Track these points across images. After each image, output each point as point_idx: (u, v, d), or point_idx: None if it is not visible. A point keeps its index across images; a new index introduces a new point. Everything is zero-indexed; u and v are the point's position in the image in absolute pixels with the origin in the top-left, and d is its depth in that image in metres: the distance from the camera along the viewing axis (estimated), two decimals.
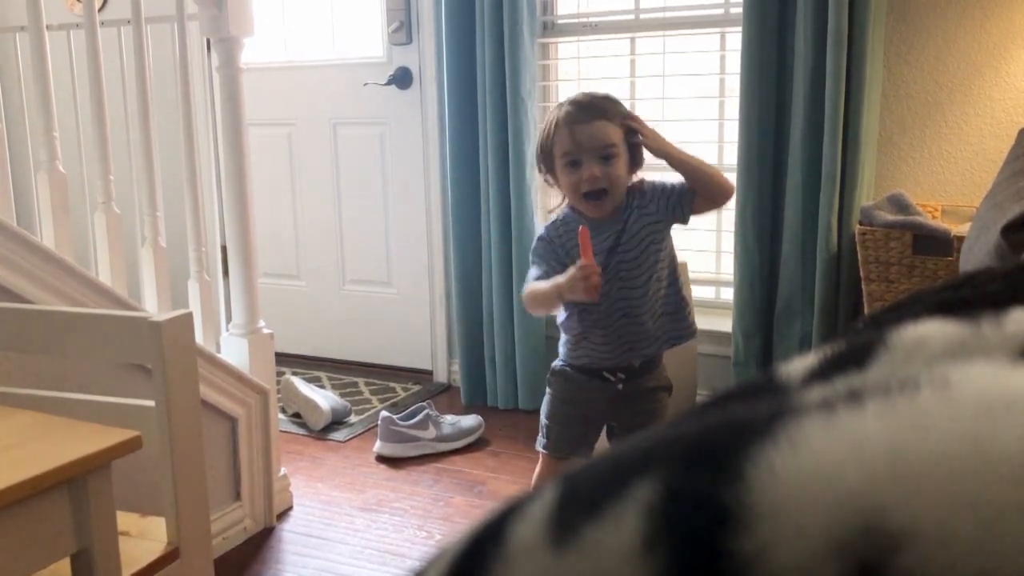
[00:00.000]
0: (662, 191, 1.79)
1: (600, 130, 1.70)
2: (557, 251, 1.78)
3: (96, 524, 1.10)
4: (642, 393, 1.83)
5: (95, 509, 1.10)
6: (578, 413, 1.87)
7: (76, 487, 1.08)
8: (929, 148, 2.46)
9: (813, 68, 2.37)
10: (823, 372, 0.30)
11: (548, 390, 1.89)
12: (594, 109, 1.71)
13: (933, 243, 2.01)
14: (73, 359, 1.71)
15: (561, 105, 1.76)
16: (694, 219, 1.81)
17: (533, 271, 1.80)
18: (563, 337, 1.86)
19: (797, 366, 0.32)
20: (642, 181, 1.81)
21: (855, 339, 0.32)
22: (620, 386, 1.81)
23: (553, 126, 1.73)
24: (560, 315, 1.84)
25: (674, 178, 1.81)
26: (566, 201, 1.82)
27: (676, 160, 1.74)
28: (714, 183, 1.75)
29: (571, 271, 1.64)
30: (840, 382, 0.26)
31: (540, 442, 1.91)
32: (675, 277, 1.82)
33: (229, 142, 2.17)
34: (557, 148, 1.72)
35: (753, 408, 0.25)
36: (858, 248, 2.13)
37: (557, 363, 1.88)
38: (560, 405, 1.87)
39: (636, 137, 1.75)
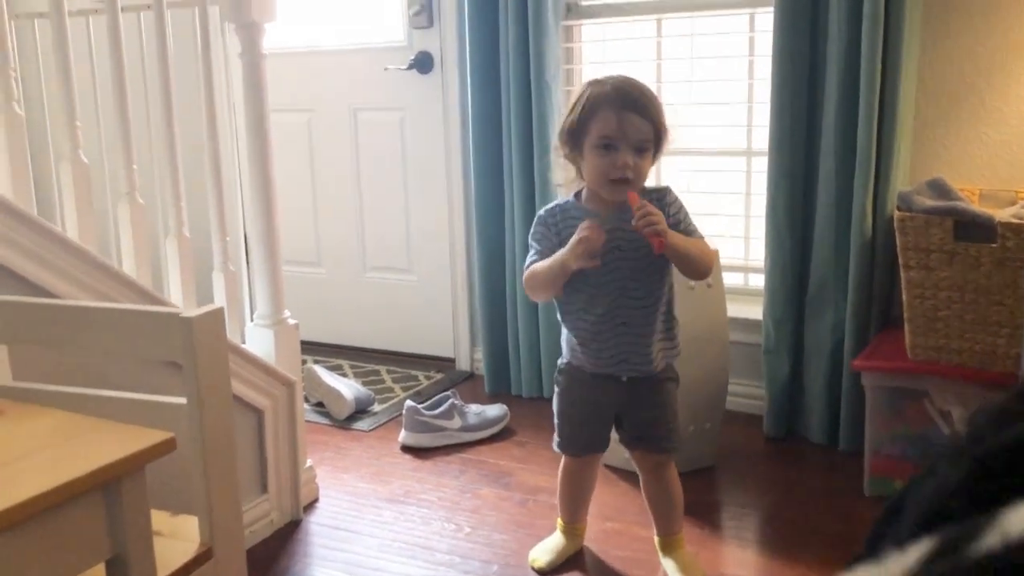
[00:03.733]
0: (674, 217, 1.75)
1: (645, 123, 1.69)
2: (552, 238, 1.79)
3: (131, 528, 1.07)
4: (648, 387, 1.83)
5: (129, 513, 1.07)
6: (586, 411, 1.88)
7: (110, 491, 1.05)
8: (967, 131, 2.40)
9: (847, 49, 2.31)
10: None
11: (556, 388, 1.89)
12: (644, 104, 1.69)
13: (976, 229, 1.95)
14: (101, 356, 1.68)
15: (598, 83, 1.73)
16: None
17: (531, 254, 1.81)
18: (564, 333, 1.85)
19: None
20: (668, 190, 1.78)
21: None
22: (624, 379, 1.81)
23: (593, 105, 1.69)
24: (561, 310, 1.84)
25: (686, 205, 1.82)
26: (576, 188, 1.81)
27: (673, 250, 1.69)
28: (690, 275, 1.81)
29: (574, 237, 1.67)
30: None
31: (555, 440, 1.94)
32: (672, 296, 1.82)
33: (252, 130, 2.13)
34: (596, 129, 1.68)
35: None
36: (897, 235, 2.07)
37: (562, 360, 1.87)
38: (567, 406, 1.89)
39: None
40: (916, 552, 0.29)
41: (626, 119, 1.66)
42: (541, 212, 1.85)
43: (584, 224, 1.69)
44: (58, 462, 1.04)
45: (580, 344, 1.82)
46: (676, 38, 2.78)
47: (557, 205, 1.83)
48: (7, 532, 0.93)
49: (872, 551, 0.31)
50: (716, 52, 2.76)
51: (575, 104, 1.73)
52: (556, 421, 1.91)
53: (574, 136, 1.73)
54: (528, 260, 1.82)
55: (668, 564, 1.92)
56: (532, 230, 1.84)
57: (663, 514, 1.93)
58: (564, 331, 1.86)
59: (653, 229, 1.63)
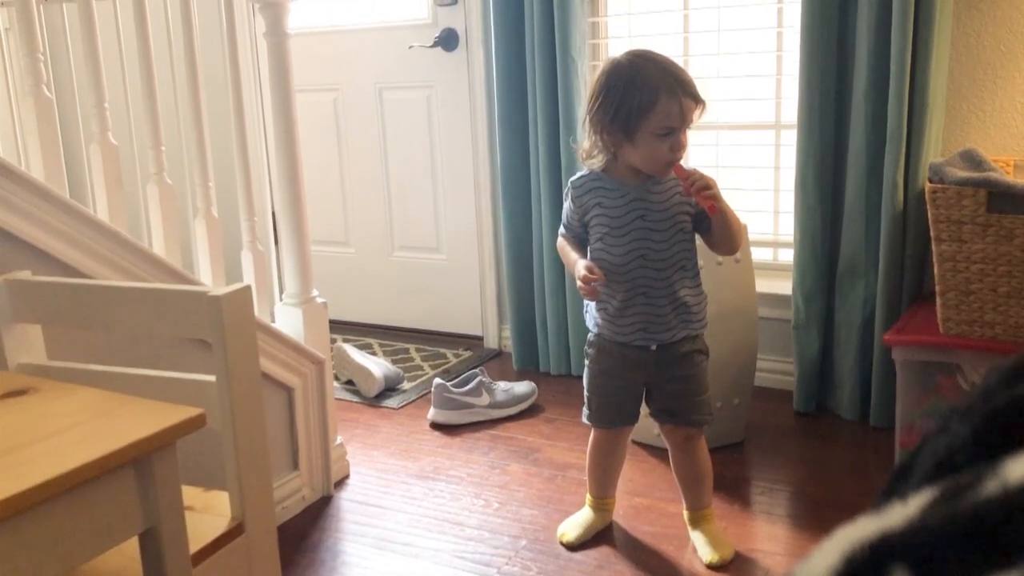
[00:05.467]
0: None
1: (696, 105, 1.72)
2: (576, 212, 1.83)
3: (163, 502, 1.09)
4: (678, 357, 1.83)
5: (161, 487, 1.08)
6: (615, 383, 1.89)
7: (142, 466, 1.06)
8: (1002, 100, 2.35)
9: (878, 17, 2.26)
10: None
11: (586, 361, 1.91)
12: (696, 88, 1.72)
13: (1010, 201, 1.92)
14: (132, 334, 1.71)
15: (639, 68, 1.69)
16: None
17: (561, 225, 1.88)
18: (586, 304, 1.88)
19: None
20: (695, 170, 1.77)
21: None
22: (654, 348, 1.82)
23: (652, 95, 1.66)
24: None
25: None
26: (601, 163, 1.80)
27: (722, 215, 1.74)
28: (725, 248, 1.82)
29: (580, 267, 1.75)
30: None
31: (584, 413, 1.95)
32: (698, 270, 1.84)
33: (278, 109, 2.14)
34: (660, 117, 1.68)
35: None
36: (928, 207, 2.04)
37: (591, 333, 1.88)
38: (597, 377, 1.90)
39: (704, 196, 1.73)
40: (918, 501, 0.29)
41: (686, 106, 1.69)
42: (571, 181, 1.85)
43: (586, 273, 1.73)
44: (91, 438, 1.06)
45: (600, 310, 1.83)
46: (703, 10, 2.75)
47: (586, 176, 1.82)
48: (43, 506, 0.95)
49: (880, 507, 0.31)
50: (743, 24, 2.72)
51: (633, 90, 1.68)
52: (586, 393, 1.92)
53: (632, 122, 1.69)
54: (560, 228, 1.89)
55: (697, 538, 1.92)
56: (566, 190, 1.87)
57: (692, 488, 1.93)
58: (587, 302, 1.87)
59: (709, 193, 1.69)
